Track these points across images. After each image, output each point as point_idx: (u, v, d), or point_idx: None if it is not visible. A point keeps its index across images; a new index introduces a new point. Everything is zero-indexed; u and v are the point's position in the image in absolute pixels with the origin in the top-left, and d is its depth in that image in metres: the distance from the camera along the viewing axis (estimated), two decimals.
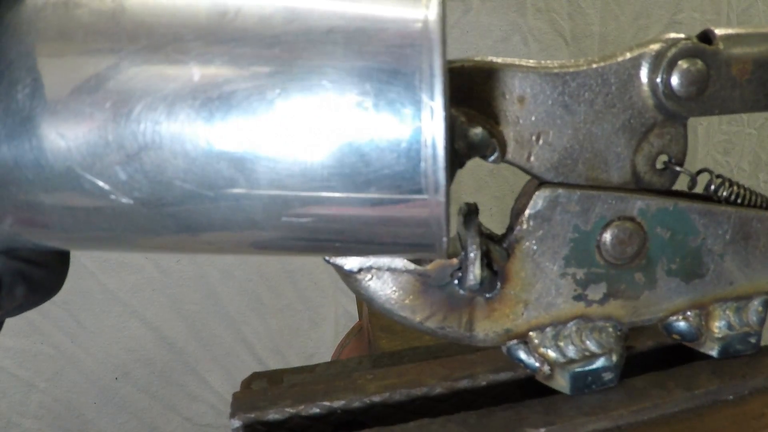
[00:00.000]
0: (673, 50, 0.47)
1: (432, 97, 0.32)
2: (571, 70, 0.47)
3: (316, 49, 0.33)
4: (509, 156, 0.47)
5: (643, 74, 0.47)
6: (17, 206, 0.34)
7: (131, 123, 0.32)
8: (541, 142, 0.48)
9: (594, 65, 0.47)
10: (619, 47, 0.48)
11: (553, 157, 0.48)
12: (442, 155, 0.33)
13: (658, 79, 0.47)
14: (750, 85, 0.49)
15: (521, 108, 0.46)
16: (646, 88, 0.48)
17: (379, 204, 0.34)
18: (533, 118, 0.47)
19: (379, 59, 0.32)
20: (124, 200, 0.34)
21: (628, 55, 0.47)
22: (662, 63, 0.47)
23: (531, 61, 0.46)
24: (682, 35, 0.47)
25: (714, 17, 2.08)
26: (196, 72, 0.32)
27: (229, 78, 0.32)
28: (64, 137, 0.32)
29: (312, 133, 0.33)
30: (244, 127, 0.33)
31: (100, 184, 0.33)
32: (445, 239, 0.36)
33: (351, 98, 0.32)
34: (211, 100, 0.32)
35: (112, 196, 0.33)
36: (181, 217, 0.34)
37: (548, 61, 0.47)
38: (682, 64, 0.47)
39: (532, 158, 0.48)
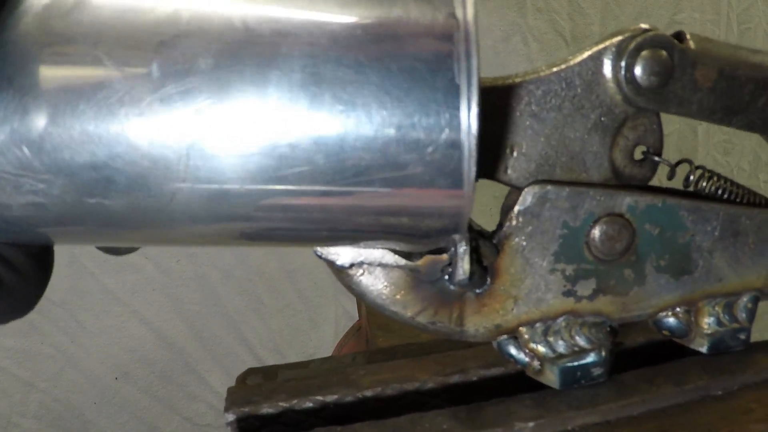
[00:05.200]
0: (639, 39, 0.47)
1: (469, 82, 0.33)
2: (533, 77, 0.47)
3: (354, 39, 0.33)
4: (485, 172, 0.47)
5: (607, 68, 0.48)
6: None
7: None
8: (515, 154, 0.48)
9: (555, 69, 0.47)
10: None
11: (530, 166, 0.48)
12: (474, 144, 0.33)
13: (622, 67, 0.47)
14: (711, 94, 0.49)
15: (489, 124, 0.46)
16: (611, 83, 0.48)
17: (404, 190, 0.34)
18: (502, 132, 0.47)
19: (416, 51, 0.33)
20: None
21: (587, 54, 0.47)
22: (626, 52, 0.47)
23: (488, 78, 0.46)
24: (646, 26, 0.47)
25: (714, 17, 2.08)
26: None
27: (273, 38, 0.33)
28: None
29: (347, 118, 0.33)
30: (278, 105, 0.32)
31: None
32: (464, 229, 0.36)
33: (387, 91, 0.33)
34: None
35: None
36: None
37: (511, 74, 0.47)
38: (646, 53, 0.47)
39: (509, 171, 0.48)
